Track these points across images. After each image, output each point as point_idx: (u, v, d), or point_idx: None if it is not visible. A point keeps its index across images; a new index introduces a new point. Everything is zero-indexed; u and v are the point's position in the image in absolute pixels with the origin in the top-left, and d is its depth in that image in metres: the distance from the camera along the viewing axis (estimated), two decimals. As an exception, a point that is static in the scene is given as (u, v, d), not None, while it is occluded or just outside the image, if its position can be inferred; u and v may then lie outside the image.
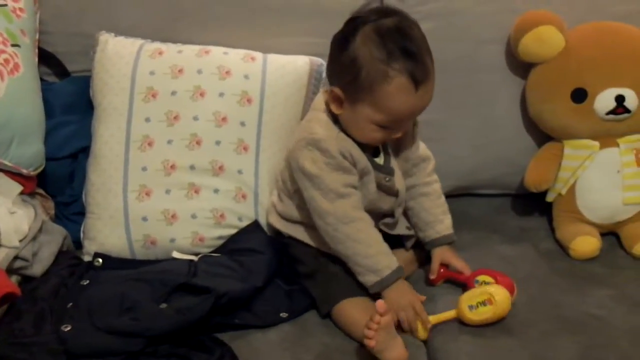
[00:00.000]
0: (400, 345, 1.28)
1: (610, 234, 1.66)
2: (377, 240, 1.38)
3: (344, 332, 1.36)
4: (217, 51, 1.62)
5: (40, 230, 1.48)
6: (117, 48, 1.61)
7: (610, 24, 1.66)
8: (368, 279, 1.36)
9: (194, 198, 1.53)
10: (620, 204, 1.62)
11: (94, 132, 1.59)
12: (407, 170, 1.50)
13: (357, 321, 1.30)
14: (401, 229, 1.50)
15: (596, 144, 1.62)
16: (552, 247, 1.64)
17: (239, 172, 1.55)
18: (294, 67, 1.62)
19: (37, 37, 1.65)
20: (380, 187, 1.43)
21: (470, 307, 1.35)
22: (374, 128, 1.35)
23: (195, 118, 1.55)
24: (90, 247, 1.54)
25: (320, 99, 1.43)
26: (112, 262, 1.50)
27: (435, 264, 1.48)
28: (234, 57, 1.61)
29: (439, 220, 1.50)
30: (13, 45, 1.53)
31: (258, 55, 1.63)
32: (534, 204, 1.75)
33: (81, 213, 1.59)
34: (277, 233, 1.52)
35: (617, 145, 1.62)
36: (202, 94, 1.56)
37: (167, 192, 1.53)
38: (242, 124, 1.56)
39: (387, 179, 1.44)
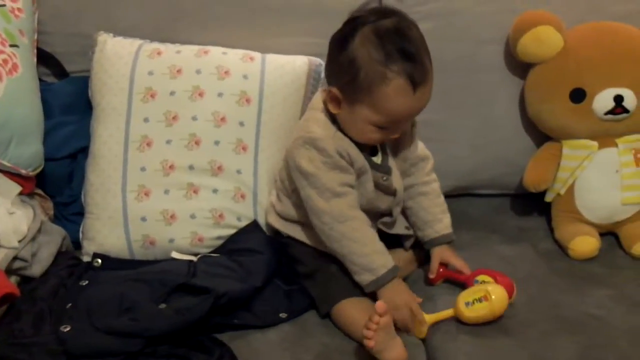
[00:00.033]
0: (400, 345, 1.28)
1: (609, 234, 1.66)
2: (372, 239, 1.38)
3: (344, 332, 1.36)
4: (215, 51, 1.62)
5: (39, 230, 1.48)
6: (116, 48, 1.61)
7: (609, 24, 1.66)
8: (364, 278, 1.36)
9: (192, 198, 1.53)
10: (619, 204, 1.62)
11: (92, 133, 1.59)
12: (405, 170, 1.50)
13: (356, 321, 1.30)
14: (400, 228, 1.50)
15: (595, 144, 1.62)
16: (551, 247, 1.64)
17: (238, 172, 1.55)
18: (292, 67, 1.62)
19: (35, 37, 1.65)
20: (377, 186, 1.43)
21: (467, 304, 1.35)
22: (371, 129, 1.35)
23: (194, 118, 1.55)
24: (89, 248, 1.54)
25: (318, 99, 1.43)
26: (111, 263, 1.50)
27: (434, 263, 1.48)
28: (232, 57, 1.61)
29: (437, 219, 1.50)
30: (11, 46, 1.53)
31: (257, 55, 1.63)
32: (533, 204, 1.75)
33: (80, 213, 1.59)
34: (276, 233, 1.52)
35: (616, 145, 1.62)
36: (200, 94, 1.56)
37: (166, 192, 1.53)
38: (241, 124, 1.56)
39: (385, 178, 1.44)
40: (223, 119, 1.55)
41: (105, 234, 1.53)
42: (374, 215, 1.46)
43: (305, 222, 1.44)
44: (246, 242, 1.51)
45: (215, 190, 1.54)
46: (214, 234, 1.53)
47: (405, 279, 1.51)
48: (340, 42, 1.34)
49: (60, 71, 1.71)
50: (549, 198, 1.68)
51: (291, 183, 1.44)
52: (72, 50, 1.69)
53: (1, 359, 1.22)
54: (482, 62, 1.70)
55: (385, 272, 1.35)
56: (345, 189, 1.38)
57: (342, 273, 1.39)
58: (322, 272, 1.41)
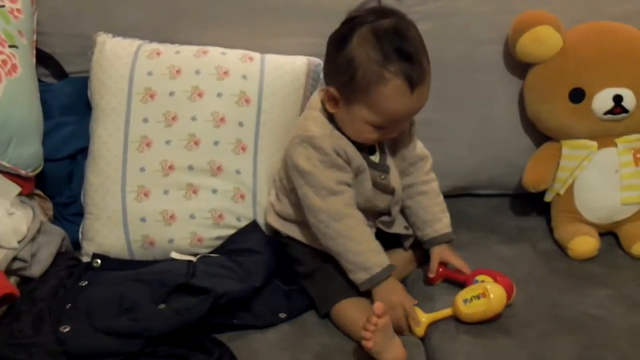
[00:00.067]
0: (399, 346, 1.28)
1: (609, 234, 1.66)
2: (367, 237, 1.38)
3: (343, 332, 1.36)
4: (215, 51, 1.62)
5: (38, 231, 1.48)
6: (115, 49, 1.61)
7: (608, 24, 1.66)
8: (358, 277, 1.35)
9: (192, 198, 1.53)
10: (618, 203, 1.62)
11: (92, 133, 1.59)
12: (404, 169, 1.50)
13: (356, 321, 1.30)
14: (399, 228, 1.50)
15: (594, 144, 1.62)
16: (550, 247, 1.64)
17: (237, 172, 1.55)
18: (291, 68, 1.62)
19: (34, 38, 1.64)
20: (375, 184, 1.43)
21: (465, 301, 1.35)
22: (369, 128, 1.35)
23: (194, 118, 1.55)
24: (88, 248, 1.54)
25: (316, 98, 1.44)
26: (110, 263, 1.50)
27: (434, 263, 1.48)
28: (232, 58, 1.61)
29: (437, 218, 1.50)
30: (11, 47, 1.53)
31: (256, 55, 1.63)
32: (532, 204, 1.75)
33: (79, 214, 1.59)
34: (276, 233, 1.52)
35: (615, 145, 1.62)
36: (200, 95, 1.56)
37: (166, 192, 1.53)
38: (240, 124, 1.56)
39: (383, 176, 1.44)
40: (222, 119, 1.55)
41: (105, 234, 1.53)
42: (373, 214, 1.46)
43: (304, 222, 1.44)
44: (245, 242, 1.51)
45: (214, 191, 1.54)
46: (214, 234, 1.53)
47: (404, 279, 1.52)
48: (338, 42, 1.34)
49: (59, 72, 1.71)
50: (548, 198, 1.68)
51: (290, 182, 1.44)
52: (71, 50, 1.69)
53: (1, 359, 1.22)
54: (481, 62, 1.70)
55: (379, 270, 1.35)
56: (342, 187, 1.37)
57: (341, 273, 1.39)
58: (322, 272, 1.41)
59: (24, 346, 1.25)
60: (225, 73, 1.58)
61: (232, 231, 1.54)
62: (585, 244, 1.59)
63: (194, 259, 1.50)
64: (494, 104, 1.73)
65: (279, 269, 1.48)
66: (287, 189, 1.46)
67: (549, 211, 1.69)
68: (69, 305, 1.35)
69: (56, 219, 1.61)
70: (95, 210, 1.54)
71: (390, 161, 1.46)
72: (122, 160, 1.54)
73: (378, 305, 1.24)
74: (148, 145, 1.54)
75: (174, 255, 1.52)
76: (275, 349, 1.32)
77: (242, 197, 1.55)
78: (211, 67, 1.58)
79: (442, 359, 1.33)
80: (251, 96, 1.57)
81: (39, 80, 1.64)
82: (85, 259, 1.53)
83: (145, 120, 1.55)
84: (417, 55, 1.30)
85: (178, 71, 1.57)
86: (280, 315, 1.39)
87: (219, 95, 1.56)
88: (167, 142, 1.54)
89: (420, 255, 1.54)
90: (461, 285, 1.44)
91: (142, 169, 1.53)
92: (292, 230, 1.48)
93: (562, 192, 1.64)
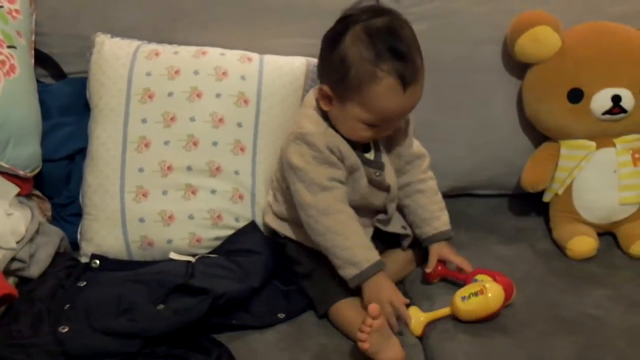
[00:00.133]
0: (396, 346, 1.28)
1: (607, 234, 1.66)
2: (356, 233, 1.37)
3: (341, 332, 1.36)
4: (213, 52, 1.62)
5: (37, 231, 1.48)
6: (114, 49, 1.61)
7: (607, 24, 1.66)
8: (347, 272, 1.34)
9: (191, 199, 1.53)
10: (616, 203, 1.62)
11: (90, 134, 1.59)
12: (400, 168, 1.49)
13: (354, 321, 1.30)
14: (396, 226, 1.50)
15: (593, 144, 1.62)
16: (549, 247, 1.64)
17: (236, 172, 1.55)
18: (290, 68, 1.62)
19: (33, 38, 1.64)
20: (371, 182, 1.43)
21: (463, 298, 1.35)
22: (362, 127, 1.35)
23: (192, 119, 1.55)
24: (87, 249, 1.54)
25: (311, 96, 1.44)
26: (109, 264, 1.50)
27: (432, 259, 1.47)
28: (230, 58, 1.61)
29: (435, 216, 1.50)
30: (9, 47, 1.53)
31: (255, 56, 1.63)
32: (530, 204, 1.75)
33: (78, 214, 1.59)
34: (274, 233, 1.52)
35: (614, 145, 1.62)
36: (198, 95, 1.56)
37: (164, 193, 1.53)
38: (239, 124, 1.56)
39: (377, 173, 1.44)
40: (221, 120, 1.55)
41: (103, 235, 1.53)
42: (369, 212, 1.46)
43: (301, 222, 1.44)
44: (244, 242, 1.51)
45: (213, 191, 1.54)
46: (212, 234, 1.53)
47: (403, 279, 1.52)
48: (331, 41, 1.34)
49: (58, 72, 1.71)
50: (547, 198, 1.68)
51: (287, 182, 1.43)
52: (70, 51, 1.69)
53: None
54: (479, 62, 1.70)
55: (368, 265, 1.34)
56: (334, 184, 1.37)
57: (340, 273, 1.39)
58: (320, 272, 1.41)
59: (23, 346, 1.25)
60: (224, 74, 1.58)
61: (230, 232, 1.54)
62: (583, 244, 1.59)
63: (192, 259, 1.50)
64: (493, 104, 1.73)
65: (277, 269, 1.48)
66: (285, 189, 1.46)
67: (547, 211, 1.69)
68: (68, 305, 1.35)
69: (55, 220, 1.61)
70: (94, 211, 1.54)
71: (385, 158, 1.46)
72: (121, 160, 1.54)
73: (373, 307, 1.23)
74: (147, 145, 1.54)
75: (173, 255, 1.52)
76: (274, 349, 1.32)
77: (240, 197, 1.55)
78: (210, 68, 1.58)
79: (441, 359, 1.33)
80: (250, 97, 1.57)
81: (38, 81, 1.63)
82: (84, 260, 1.53)
83: (143, 121, 1.55)
84: (410, 54, 1.30)
85: (177, 72, 1.57)
86: (278, 315, 1.39)
87: (218, 95, 1.56)
88: (166, 143, 1.54)
89: (419, 255, 1.54)
90: (461, 285, 1.44)
91: (141, 170, 1.53)
92: (290, 231, 1.48)
93: (560, 192, 1.64)
